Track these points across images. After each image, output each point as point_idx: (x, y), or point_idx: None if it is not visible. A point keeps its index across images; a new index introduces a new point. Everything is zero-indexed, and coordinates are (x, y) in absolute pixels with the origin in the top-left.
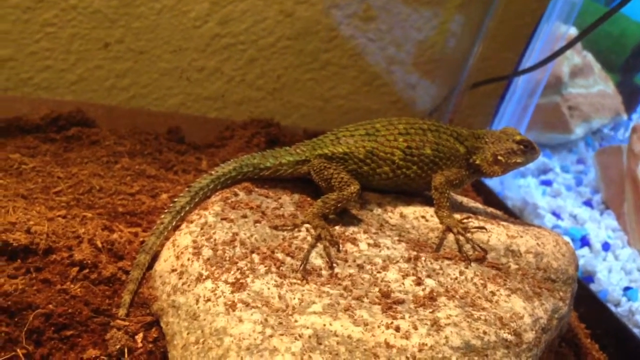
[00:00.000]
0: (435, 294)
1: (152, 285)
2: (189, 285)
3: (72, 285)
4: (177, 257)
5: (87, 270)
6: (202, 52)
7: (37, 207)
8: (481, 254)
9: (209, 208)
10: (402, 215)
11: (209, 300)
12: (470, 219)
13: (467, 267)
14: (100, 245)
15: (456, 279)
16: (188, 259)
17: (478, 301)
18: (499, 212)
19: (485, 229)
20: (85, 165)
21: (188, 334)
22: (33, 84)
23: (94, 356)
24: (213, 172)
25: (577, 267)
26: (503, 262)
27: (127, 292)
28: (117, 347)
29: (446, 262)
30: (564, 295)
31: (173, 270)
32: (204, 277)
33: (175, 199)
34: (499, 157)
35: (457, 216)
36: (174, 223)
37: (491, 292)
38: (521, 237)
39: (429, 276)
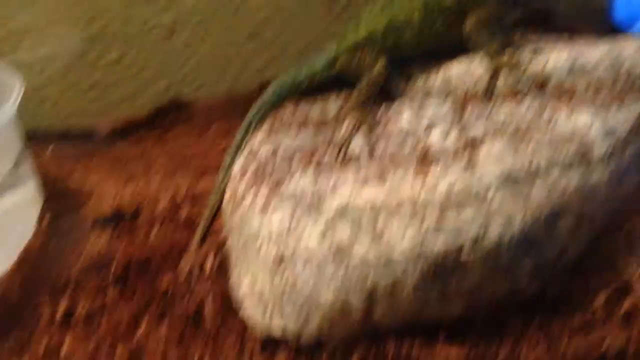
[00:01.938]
0: (478, 139)
1: (221, 217)
2: (237, 205)
3: (150, 234)
4: (231, 185)
5: (167, 221)
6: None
7: (135, 184)
8: (538, 84)
9: (256, 134)
10: (446, 75)
11: (249, 210)
12: (522, 50)
13: (522, 102)
14: (181, 198)
15: (505, 118)
16: (237, 182)
17: (529, 133)
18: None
19: (541, 55)
20: (179, 140)
21: (237, 244)
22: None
23: (167, 283)
24: (258, 102)
25: None
26: (567, 85)
27: (200, 228)
28: (185, 271)
29: (496, 105)
30: None
31: (230, 197)
32: (247, 192)
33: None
34: None
35: (509, 53)
36: (235, 160)
37: (548, 118)
38: (588, 51)
39: (475, 125)
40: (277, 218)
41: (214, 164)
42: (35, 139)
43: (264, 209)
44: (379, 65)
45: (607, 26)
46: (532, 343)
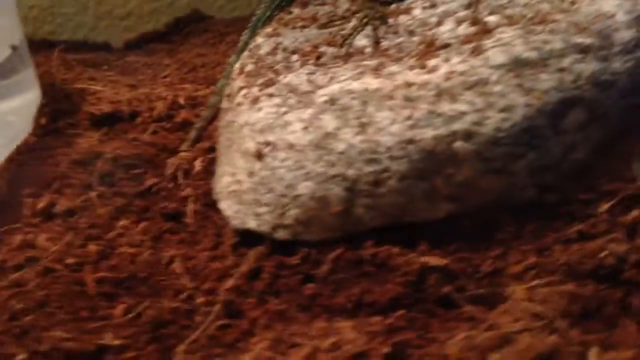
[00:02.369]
0: (491, 27)
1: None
2: (231, 102)
3: (143, 135)
4: (230, 84)
5: (164, 122)
6: None
7: (139, 90)
8: None
9: (260, 34)
10: None
11: (239, 104)
12: None
13: None
14: (182, 101)
15: (526, 4)
16: (234, 80)
17: (549, 16)
18: None
19: None
20: (192, 51)
21: (223, 141)
22: None
23: (152, 183)
24: (262, 4)
25: None
26: None
27: (194, 129)
28: (171, 170)
29: None
30: None
31: (227, 96)
32: (242, 88)
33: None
34: None
35: None
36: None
37: (571, 1)
38: None
39: (491, 13)
40: (265, 111)
41: (222, 72)
42: (47, 47)
43: (253, 103)
44: None
45: None
46: (520, 253)
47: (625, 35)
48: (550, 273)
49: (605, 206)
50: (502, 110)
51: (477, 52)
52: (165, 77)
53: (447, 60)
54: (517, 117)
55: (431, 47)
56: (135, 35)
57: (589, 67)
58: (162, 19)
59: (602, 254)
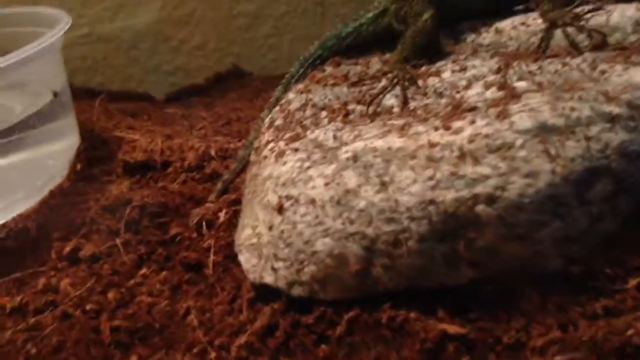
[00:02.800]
0: (519, 92)
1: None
2: (259, 155)
3: (172, 184)
4: (259, 137)
5: (194, 172)
6: None
7: (174, 140)
8: (599, 39)
9: (293, 89)
10: (497, 31)
11: (265, 157)
12: (584, 3)
13: (575, 58)
14: (213, 153)
15: (556, 72)
16: (263, 134)
17: (578, 85)
18: None
19: (603, 8)
20: (228, 105)
21: (248, 191)
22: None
23: (176, 232)
24: (301, 57)
25: None
26: (632, 40)
27: (222, 180)
28: (195, 220)
29: (548, 60)
30: None
31: (256, 149)
32: (269, 141)
33: None
34: None
35: (566, 7)
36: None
37: (601, 71)
38: None
39: (520, 79)
40: (289, 165)
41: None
42: (92, 96)
43: (278, 156)
44: (426, 15)
45: None
46: (543, 326)
47: None
48: (574, 349)
49: (633, 282)
50: (526, 175)
51: (503, 115)
52: (200, 129)
53: (472, 122)
54: (541, 184)
55: (458, 109)
56: (177, 89)
57: (617, 137)
58: (208, 74)
59: (629, 332)
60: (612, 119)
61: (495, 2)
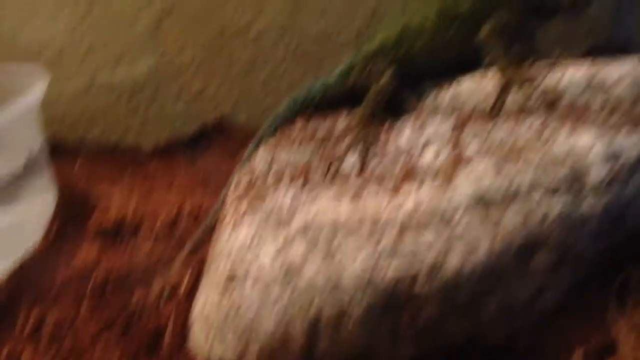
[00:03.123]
0: (467, 158)
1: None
2: (222, 219)
3: (143, 245)
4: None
5: (165, 234)
6: None
7: (152, 197)
8: (551, 100)
9: (261, 148)
10: (457, 89)
11: (226, 223)
12: (538, 64)
13: (526, 120)
14: (187, 212)
15: (503, 137)
16: (229, 196)
17: (522, 153)
18: None
19: (555, 71)
20: (210, 159)
21: (209, 258)
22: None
23: (138, 299)
24: (271, 116)
25: None
26: (581, 103)
27: (190, 242)
28: (158, 287)
29: (499, 123)
30: None
31: (223, 210)
32: (232, 205)
33: None
34: None
35: (522, 66)
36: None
37: (549, 135)
38: (610, 67)
39: (471, 142)
40: (243, 234)
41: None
42: (78, 151)
43: (236, 224)
44: (387, 75)
45: None
46: None
47: (599, 172)
48: None
49: (579, 353)
50: (466, 247)
51: (447, 184)
52: (179, 184)
53: (418, 190)
54: (481, 256)
55: (408, 175)
56: (164, 140)
57: (557, 206)
58: (205, 120)
59: None
60: (553, 189)
61: (455, 60)
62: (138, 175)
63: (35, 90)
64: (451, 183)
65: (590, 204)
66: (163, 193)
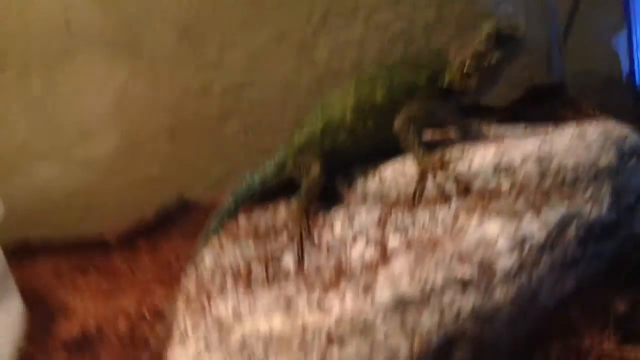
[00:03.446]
0: (392, 253)
1: None
2: (172, 330)
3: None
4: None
5: (125, 342)
6: None
7: (114, 300)
8: (463, 186)
9: (207, 248)
10: (380, 179)
11: (174, 336)
12: (450, 151)
13: (442, 208)
14: (147, 315)
15: (423, 225)
16: (177, 304)
17: (440, 243)
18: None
19: (466, 157)
20: (170, 244)
21: None
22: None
23: None
24: (215, 212)
25: (622, 153)
26: (493, 185)
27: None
28: None
29: (422, 210)
30: (596, 195)
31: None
32: (179, 315)
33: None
34: (466, 67)
35: (436, 154)
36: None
37: (460, 226)
38: (516, 147)
39: (394, 235)
40: (190, 351)
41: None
42: (46, 250)
43: (182, 339)
44: (314, 170)
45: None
46: None
47: (506, 262)
48: None
49: None
50: (387, 354)
51: (368, 289)
52: (142, 279)
53: (342, 298)
54: None
55: (339, 275)
56: (127, 226)
57: (469, 301)
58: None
59: None
60: (465, 283)
61: (379, 147)
62: (102, 273)
63: None
64: (372, 287)
65: (498, 297)
66: (127, 291)
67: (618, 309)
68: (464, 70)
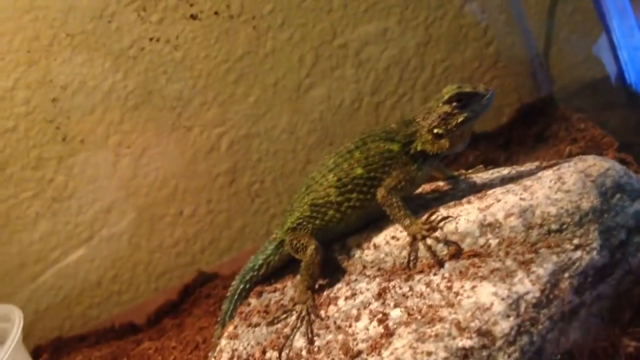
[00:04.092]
0: (394, 327)
1: None
2: None
3: None
4: None
5: None
6: None
7: None
8: (454, 249)
9: (226, 331)
10: (375, 247)
11: None
12: (436, 213)
13: (436, 273)
14: None
15: (421, 294)
16: None
17: (438, 312)
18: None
19: (452, 217)
20: (195, 325)
21: None
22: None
23: None
24: (228, 294)
25: (603, 191)
26: (481, 244)
27: None
28: None
29: (417, 277)
30: (584, 239)
31: None
32: None
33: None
34: (436, 130)
35: (423, 217)
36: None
37: (455, 292)
38: (498, 201)
39: (396, 305)
40: None
41: None
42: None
43: None
44: (310, 249)
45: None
46: None
47: (504, 325)
48: None
49: None
50: None
51: None
52: None
53: None
54: None
55: (346, 357)
56: (154, 310)
57: None
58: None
59: None
60: (466, 355)
61: (367, 218)
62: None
63: (14, 332)
64: None
65: (504, 359)
66: None
67: (627, 349)
68: (435, 132)
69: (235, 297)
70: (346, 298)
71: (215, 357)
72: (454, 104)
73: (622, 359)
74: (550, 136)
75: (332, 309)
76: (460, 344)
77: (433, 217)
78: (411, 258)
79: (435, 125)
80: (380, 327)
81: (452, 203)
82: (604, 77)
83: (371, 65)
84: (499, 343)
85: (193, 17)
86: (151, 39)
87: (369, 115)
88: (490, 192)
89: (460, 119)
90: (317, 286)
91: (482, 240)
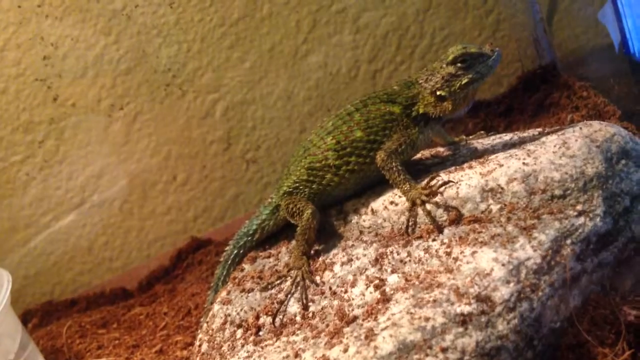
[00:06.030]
0: (391, 292)
1: None
2: None
3: None
4: None
5: None
6: None
7: (138, 353)
8: (454, 214)
9: (219, 296)
10: (373, 212)
11: None
12: (436, 178)
13: (435, 239)
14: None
15: (419, 260)
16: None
17: (437, 278)
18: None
19: (452, 182)
20: (187, 291)
21: None
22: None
23: None
24: (222, 259)
25: (609, 156)
26: (482, 209)
27: None
28: None
29: (416, 243)
30: (588, 206)
31: None
32: None
33: None
34: (439, 92)
35: (423, 182)
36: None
37: (454, 258)
38: (500, 166)
39: (393, 271)
40: None
41: None
42: (70, 308)
43: None
44: (306, 213)
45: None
46: None
47: (504, 292)
48: None
49: None
50: None
51: (370, 338)
52: (163, 328)
53: (345, 350)
54: None
55: (342, 322)
56: (145, 275)
57: (471, 339)
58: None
59: None
60: (464, 321)
61: (365, 183)
62: (124, 326)
63: (2, 295)
64: (373, 338)
65: (503, 325)
66: (149, 342)
67: (628, 317)
68: (438, 94)
69: (229, 262)
70: (342, 264)
71: (207, 323)
72: (459, 64)
73: (623, 327)
74: (551, 104)
75: (327, 274)
76: (458, 310)
77: (433, 182)
78: (410, 223)
79: (438, 87)
80: (377, 292)
81: (453, 168)
82: (607, 45)
83: (369, 31)
84: (498, 309)
85: None
86: None
87: (366, 83)
88: (492, 157)
89: (464, 81)
90: (312, 252)
91: (483, 206)
